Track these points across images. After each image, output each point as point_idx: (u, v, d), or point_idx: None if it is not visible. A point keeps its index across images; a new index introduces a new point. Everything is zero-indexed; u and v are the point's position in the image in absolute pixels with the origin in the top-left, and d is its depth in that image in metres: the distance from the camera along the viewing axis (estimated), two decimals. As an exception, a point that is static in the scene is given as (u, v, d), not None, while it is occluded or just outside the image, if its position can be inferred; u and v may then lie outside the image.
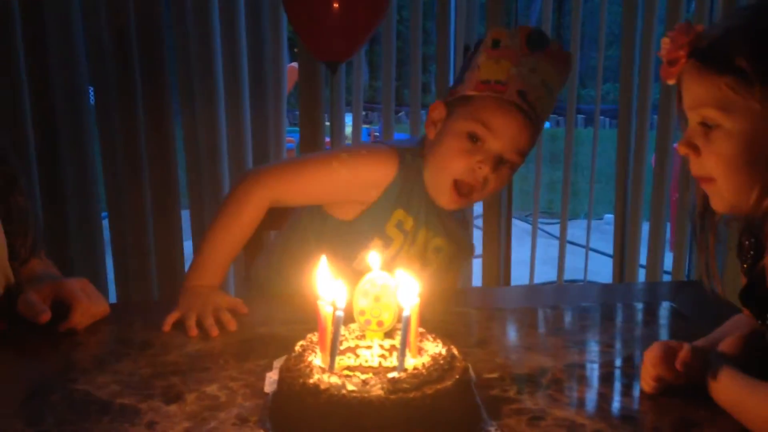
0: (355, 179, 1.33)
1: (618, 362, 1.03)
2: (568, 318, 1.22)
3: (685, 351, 0.90)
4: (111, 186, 2.37)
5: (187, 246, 2.44)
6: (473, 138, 1.27)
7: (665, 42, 0.87)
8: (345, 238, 1.34)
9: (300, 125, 2.42)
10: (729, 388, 0.86)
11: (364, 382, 0.77)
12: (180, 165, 2.39)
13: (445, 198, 1.31)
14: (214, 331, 1.12)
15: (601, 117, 3.07)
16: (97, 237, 2.41)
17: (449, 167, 1.29)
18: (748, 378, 0.85)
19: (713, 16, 2.51)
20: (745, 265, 0.94)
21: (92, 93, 2.36)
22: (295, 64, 2.50)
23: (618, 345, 1.10)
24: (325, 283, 0.85)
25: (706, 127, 0.85)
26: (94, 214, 2.40)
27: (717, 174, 0.86)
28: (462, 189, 1.29)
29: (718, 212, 0.91)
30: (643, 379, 0.94)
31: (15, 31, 2.19)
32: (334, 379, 0.77)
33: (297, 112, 2.46)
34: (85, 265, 2.37)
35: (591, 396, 0.95)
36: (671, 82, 0.88)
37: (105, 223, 2.44)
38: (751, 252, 0.93)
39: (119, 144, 2.31)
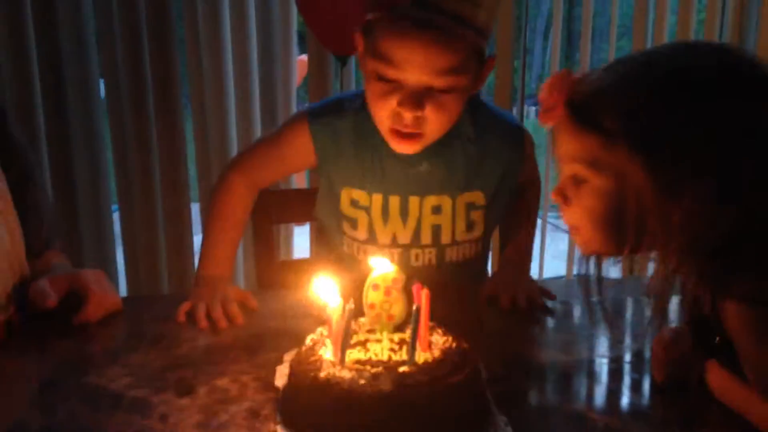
0: (285, 156, 1.27)
1: (628, 357, 1.03)
2: (577, 312, 1.22)
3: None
4: (121, 179, 2.38)
5: (197, 239, 2.44)
6: (383, 78, 1.05)
7: (543, 87, 0.86)
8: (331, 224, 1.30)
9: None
10: (728, 392, 0.86)
11: (374, 376, 0.77)
12: (189, 158, 2.39)
13: (395, 146, 1.13)
14: (222, 323, 1.12)
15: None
16: (108, 230, 2.43)
17: (377, 115, 1.11)
18: (738, 382, 0.84)
19: (726, 5, 2.49)
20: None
21: (103, 86, 2.36)
22: (304, 57, 2.50)
23: (628, 340, 1.09)
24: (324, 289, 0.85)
25: (576, 179, 0.85)
26: (105, 207, 2.41)
27: (583, 226, 0.87)
28: (402, 134, 1.10)
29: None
30: (653, 367, 0.93)
31: (27, 24, 2.19)
32: (345, 373, 0.77)
33: (306, 105, 2.46)
34: (95, 258, 2.38)
35: (601, 391, 0.94)
36: (547, 127, 0.88)
37: (115, 216, 2.45)
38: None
39: (130, 137, 2.32)
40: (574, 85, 0.84)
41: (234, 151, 2.39)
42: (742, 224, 0.75)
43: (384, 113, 1.09)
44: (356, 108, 1.22)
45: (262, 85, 2.38)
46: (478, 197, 1.23)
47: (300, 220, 2.20)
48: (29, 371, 0.98)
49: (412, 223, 1.22)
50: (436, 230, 1.23)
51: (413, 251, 1.25)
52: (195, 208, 2.43)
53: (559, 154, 0.88)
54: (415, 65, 1.02)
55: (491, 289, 1.21)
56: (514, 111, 2.51)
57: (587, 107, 0.82)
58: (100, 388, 0.92)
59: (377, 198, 1.22)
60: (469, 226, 1.25)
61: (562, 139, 0.86)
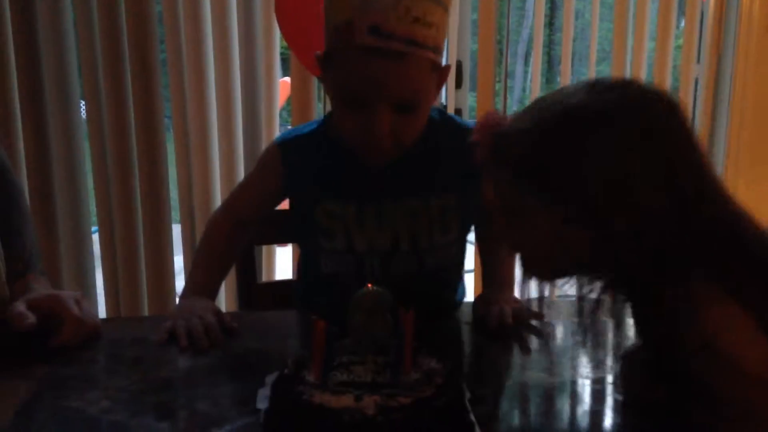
0: (260, 183, 1.33)
1: (610, 378, 1.03)
2: (560, 333, 1.22)
3: None
4: (101, 201, 2.36)
5: (178, 261, 2.43)
6: (349, 104, 1.07)
7: (476, 129, 0.90)
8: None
9: (292, 140, 2.42)
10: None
11: (358, 399, 0.76)
12: (171, 180, 2.38)
13: (366, 161, 1.16)
14: (204, 342, 1.10)
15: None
16: (87, 252, 2.40)
17: (345, 136, 1.13)
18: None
19: (702, 32, 2.54)
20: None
21: (84, 108, 2.35)
22: (287, 79, 2.51)
23: (610, 361, 1.10)
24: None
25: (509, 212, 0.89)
26: (85, 228, 2.39)
27: (521, 255, 0.93)
28: (371, 148, 1.11)
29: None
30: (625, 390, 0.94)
31: (7, 44, 2.19)
32: (327, 396, 0.77)
33: (289, 127, 2.46)
34: (74, 279, 2.36)
35: (584, 412, 0.94)
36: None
37: (95, 237, 2.43)
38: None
39: (110, 158, 2.31)
40: (499, 127, 0.88)
41: (216, 172, 2.38)
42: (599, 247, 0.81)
43: (353, 136, 1.12)
44: (322, 124, 1.26)
45: (245, 107, 2.38)
46: (449, 199, 1.23)
47: (282, 241, 2.19)
48: (6, 394, 0.96)
49: (388, 229, 1.22)
50: (414, 235, 1.22)
51: (393, 258, 1.24)
52: (176, 230, 2.42)
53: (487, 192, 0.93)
54: (378, 91, 1.04)
55: (478, 310, 1.23)
56: (496, 133, 2.53)
57: (504, 148, 0.86)
58: (78, 411, 0.90)
59: (351, 206, 1.21)
60: (444, 229, 1.24)
61: (496, 185, 0.91)
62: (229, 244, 1.38)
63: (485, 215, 1.28)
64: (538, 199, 0.84)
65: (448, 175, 1.21)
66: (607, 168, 0.79)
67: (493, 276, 1.35)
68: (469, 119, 2.56)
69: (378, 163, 1.17)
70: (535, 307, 1.19)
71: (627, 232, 0.80)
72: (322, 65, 1.14)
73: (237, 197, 1.39)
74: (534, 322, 1.21)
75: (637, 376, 0.94)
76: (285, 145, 1.27)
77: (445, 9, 1.05)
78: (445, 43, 1.13)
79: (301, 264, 1.44)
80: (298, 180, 1.25)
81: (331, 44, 1.08)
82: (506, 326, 1.16)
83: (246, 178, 1.41)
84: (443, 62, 1.12)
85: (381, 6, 0.98)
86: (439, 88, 1.15)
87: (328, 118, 1.25)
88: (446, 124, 1.24)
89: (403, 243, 1.23)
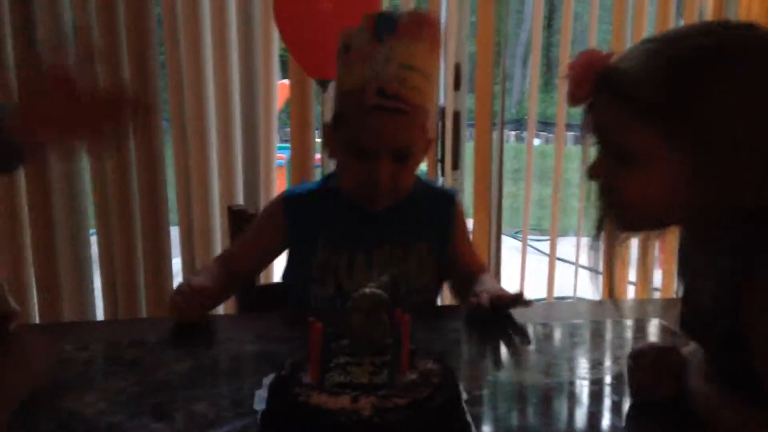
0: (258, 238, 1.42)
1: (608, 379, 1.03)
2: (558, 335, 1.22)
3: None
4: (99, 203, 2.36)
5: (176, 263, 2.43)
6: (356, 153, 1.27)
7: (574, 65, 0.87)
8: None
9: (291, 142, 2.42)
10: (731, 418, 0.84)
11: (354, 400, 0.76)
12: (169, 182, 2.38)
13: (363, 200, 1.32)
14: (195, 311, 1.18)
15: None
16: (85, 254, 2.40)
17: (348, 180, 1.32)
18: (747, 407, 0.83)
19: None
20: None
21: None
22: (286, 81, 2.51)
23: (608, 362, 1.10)
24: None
25: (619, 155, 0.85)
26: (83, 231, 2.39)
27: (629, 202, 0.86)
28: (371, 193, 1.29)
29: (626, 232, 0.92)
30: (636, 386, 0.93)
31: (5, 41, 2.18)
32: (324, 397, 0.77)
33: (288, 129, 2.46)
34: (72, 282, 2.36)
35: (581, 413, 0.94)
36: (576, 105, 0.88)
37: (93, 239, 2.43)
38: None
39: (108, 161, 2.31)
40: (605, 62, 0.85)
41: (215, 175, 2.38)
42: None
43: (357, 178, 1.29)
44: (323, 181, 1.45)
45: (243, 109, 2.38)
46: (425, 248, 1.38)
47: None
48: (3, 396, 0.96)
49: (376, 273, 1.31)
50: (397, 280, 1.32)
51: None
52: (174, 232, 2.42)
53: (596, 133, 0.88)
54: (382, 141, 1.24)
55: (472, 300, 1.26)
56: (494, 135, 2.53)
57: (624, 86, 0.82)
58: (76, 413, 0.90)
59: (344, 256, 1.34)
60: (422, 275, 1.38)
61: (599, 119, 0.87)
62: (224, 285, 1.36)
63: (452, 235, 1.43)
64: (660, 139, 0.80)
65: (424, 228, 1.39)
66: (739, 109, 0.76)
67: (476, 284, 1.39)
68: (467, 121, 2.57)
69: (377, 209, 1.32)
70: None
71: (750, 183, 0.77)
72: (331, 128, 1.33)
73: (235, 253, 1.44)
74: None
75: (650, 374, 0.92)
76: (288, 199, 1.41)
77: (433, 84, 1.30)
78: (434, 116, 1.34)
79: (290, 294, 1.46)
80: (298, 231, 1.37)
81: (342, 107, 1.29)
82: (498, 305, 1.22)
83: (247, 231, 1.46)
84: (430, 131, 1.33)
85: (386, 76, 1.22)
86: (426, 153, 1.36)
87: (328, 176, 1.44)
88: (420, 183, 1.42)
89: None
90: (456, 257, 1.43)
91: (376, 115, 1.23)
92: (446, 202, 1.44)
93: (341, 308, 0.88)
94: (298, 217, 1.38)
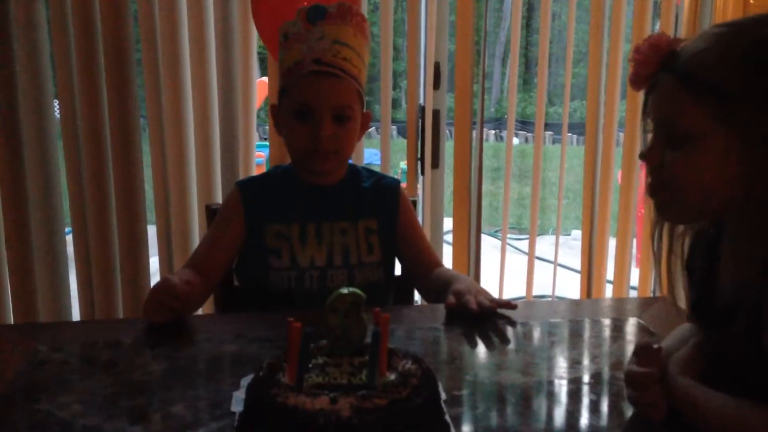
0: (222, 232, 1.49)
1: (586, 378, 1.04)
2: (536, 334, 1.22)
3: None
4: (75, 201, 2.33)
5: (153, 262, 2.41)
6: (300, 116, 1.40)
7: (639, 48, 0.88)
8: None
9: (270, 140, 2.41)
10: (720, 413, 0.84)
11: (333, 401, 0.76)
12: (147, 180, 2.36)
13: (314, 165, 1.43)
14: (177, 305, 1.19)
15: (569, 134, 3.11)
16: (61, 253, 2.37)
17: (297, 146, 1.43)
18: (739, 401, 0.83)
19: (677, 34, 2.56)
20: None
21: (57, 107, 2.32)
22: (265, 79, 2.49)
23: (586, 361, 1.10)
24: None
25: (678, 139, 0.86)
26: (58, 229, 2.36)
27: (682, 189, 0.87)
28: (320, 154, 1.40)
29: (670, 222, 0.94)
30: (652, 404, 0.90)
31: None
32: (303, 398, 0.76)
33: (267, 127, 2.45)
34: (47, 280, 2.32)
35: (560, 413, 0.95)
36: (639, 89, 0.89)
37: (69, 238, 2.40)
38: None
39: (84, 158, 2.28)
40: (672, 45, 0.86)
41: (193, 173, 2.36)
42: None
43: (303, 141, 1.41)
44: (273, 169, 1.57)
45: (222, 106, 2.36)
46: (372, 223, 1.50)
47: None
48: (-26, 399, 0.94)
49: (325, 246, 1.45)
50: (345, 251, 1.46)
51: (329, 272, 1.45)
52: (152, 231, 2.39)
53: (655, 115, 0.89)
54: (321, 96, 1.38)
55: (452, 301, 1.30)
56: (473, 134, 2.54)
57: (690, 68, 0.83)
58: (51, 415, 0.89)
59: (296, 227, 1.45)
60: (369, 249, 1.49)
61: (660, 101, 0.87)
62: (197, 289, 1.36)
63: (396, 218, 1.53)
64: (719, 122, 0.81)
65: (369, 206, 1.51)
66: None
67: (455, 274, 1.48)
68: (447, 120, 2.57)
69: (325, 165, 1.44)
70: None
71: None
72: (277, 107, 1.47)
73: (202, 252, 1.48)
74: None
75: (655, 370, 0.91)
76: (242, 184, 1.53)
77: (364, 66, 1.44)
78: (364, 92, 1.47)
79: (243, 293, 1.53)
80: (254, 210, 1.47)
81: (284, 82, 1.43)
82: (486, 310, 1.26)
83: (210, 230, 1.53)
84: (364, 108, 1.48)
85: (320, 49, 1.37)
86: (362, 130, 1.50)
87: (277, 166, 1.58)
88: (366, 170, 1.58)
89: (336, 259, 1.46)
90: (408, 241, 1.54)
91: (314, 78, 1.37)
92: (391, 187, 1.55)
93: (320, 308, 0.87)
94: (254, 198, 1.48)
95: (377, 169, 1.80)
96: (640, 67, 0.88)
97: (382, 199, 1.53)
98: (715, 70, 0.82)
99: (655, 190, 0.91)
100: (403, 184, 1.62)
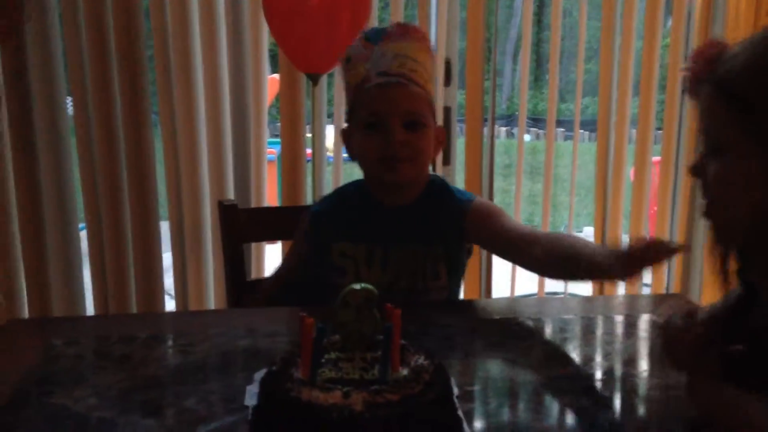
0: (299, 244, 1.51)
1: (599, 375, 1.03)
2: (549, 330, 1.22)
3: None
4: (89, 197, 2.35)
5: (166, 258, 2.42)
6: (370, 127, 1.35)
7: (692, 58, 0.86)
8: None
9: (281, 137, 2.42)
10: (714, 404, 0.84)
11: (345, 395, 0.76)
12: (159, 176, 2.37)
13: (389, 176, 1.36)
14: None
15: (581, 130, 3.10)
16: (75, 249, 2.38)
17: (367, 157, 1.38)
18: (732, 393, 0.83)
19: (689, 31, 2.55)
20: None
21: (71, 103, 2.33)
22: (276, 76, 2.50)
23: (599, 358, 1.10)
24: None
25: (722, 152, 0.83)
26: (72, 225, 2.37)
27: (727, 203, 0.85)
28: (394, 162, 1.34)
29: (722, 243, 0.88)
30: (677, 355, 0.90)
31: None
32: (316, 393, 0.77)
33: (278, 124, 2.45)
34: (62, 276, 2.34)
35: (572, 409, 0.95)
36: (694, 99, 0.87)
37: (82, 234, 2.41)
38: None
39: (97, 155, 2.29)
40: (718, 57, 0.83)
41: (205, 169, 2.37)
42: None
43: (375, 151, 1.35)
44: (349, 183, 1.53)
45: (233, 103, 2.37)
46: (440, 249, 1.40)
47: (271, 239, 2.19)
48: (-9, 392, 0.95)
49: (391, 270, 1.39)
50: (411, 277, 1.39)
51: (391, 296, 1.33)
52: (164, 227, 2.40)
53: (698, 125, 0.86)
54: (391, 106, 1.33)
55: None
56: (485, 131, 2.53)
57: (722, 76, 0.81)
58: (65, 408, 0.90)
59: (362, 248, 1.40)
60: (436, 275, 1.40)
61: (699, 110, 0.85)
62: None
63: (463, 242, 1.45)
64: (748, 136, 0.79)
65: (440, 230, 1.41)
66: None
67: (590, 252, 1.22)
68: (458, 117, 2.57)
69: (399, 175, 1.36)
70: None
71: None
72: (347, 132, 1.43)
73: (283, 266, 1.54)
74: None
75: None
76: (314, 212, 1.50)
77: (431, 79, 1.39)
78: (435, 96, 1.43)
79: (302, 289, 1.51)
80: (320, 230, 1.45)
81: (351, 101, 1.40)
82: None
83: (288, 250, 1.59)
84: (437, 121, 1.42)
85: (384, 62, 1.34)
86: (437, 145, 1.43)
87: (343, 186, 1.56)
88: (444, 188, 1.47)
89: (401, 283, 1.40)
90: (497, 246, 1.42)
91: (381, 88, 1.34)
92: (459, 210, 1.42)
93: (332, 304, 0.88)
94: (323, 219, 1.47)
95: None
96: (691, 77, 0.85)
97: (451, 223, 1.42)
98: (741, 79, 0.79)
99: (707, 209, 0.87)
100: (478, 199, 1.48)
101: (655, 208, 2.82)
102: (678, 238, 2.61)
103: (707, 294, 2.57)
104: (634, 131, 2.68)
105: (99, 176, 2.31)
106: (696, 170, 0.87)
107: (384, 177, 1.37)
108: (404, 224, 1.41)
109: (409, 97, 1.34)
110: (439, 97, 2.49)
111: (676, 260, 2.62)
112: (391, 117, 1.33)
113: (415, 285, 1.39)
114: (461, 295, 1.53)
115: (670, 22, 2.63)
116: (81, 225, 2.41)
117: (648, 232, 2.90)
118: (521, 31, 2.68)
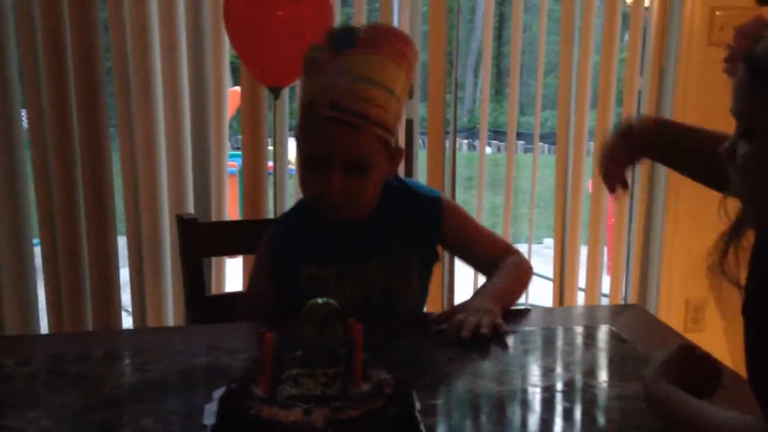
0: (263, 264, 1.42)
1: (559, 386, 1.04)
2: (510, 342, 1.23)
3: None
4: (43, 211, 2.29)
5: (123, 273, 2.38)
6: (311, 162, 1.28)
7: (737, 35, 0.85)
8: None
9: (243, 150, 2.40)
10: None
11: (306, 412, 0.75)
12: (117, 190, 2.33)
13: (329, 217, 1.31)
14: None
15: (540, 143, 3.14)
16: (29, 265, 2.33)
17: (309, 197, 1.34)
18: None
19: (645, 46, 2.60)
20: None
21: (25, 116, 2.29)
22: (237, 88, 2.48)
23: (559, 369, 1.11)
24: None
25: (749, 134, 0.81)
26: (26, 240, 2.32)
27: (746, 181, 0.82)
28: (326, 203, 1.28)
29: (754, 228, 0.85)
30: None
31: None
32: (276, 410, 0.76)
33: (239, 137, 2.44)
34: (15, 292, 2.28)
35: (533, 421, 0.95)
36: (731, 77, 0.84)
37: (37, 250, 2.35)
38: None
39: (53, 168, 2.25)
40: (759, 36, 0.80)
41: (164, 183, 2.33)
42: None
43: (312, 196, 1.31)
44: (301, 201, 1.43)
45: (194, 116, 2.34)
46: (412, 256, 1.37)
47: (232, 253, 2.16)
48: (-62, 415, 0.92)
49: (363, 287, 1.35)
50: (385, 290, 1.36)
51: (366, 313, 1.29)
52: (122, 242, 2.37)
53: (734, 109, 0.83)
54: (331, 152, 1.24)
55: (448, 314, 1.25)
56: (447, 144, 2.55)
57: (755, 56, 0.78)
58: (18, 431, 0.87)
59: (331, 270, 1.34)
60: (408, 282, 1.38)
61: (733, 91, 0.82)
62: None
63: (435, 245, 1.42)
64: None
65: (407, 235, 1.37)
66: None
67: (486, 285, 1.39)
68: (420, 129, 2.58)
69: (338, 218, 1.31)
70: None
71: None
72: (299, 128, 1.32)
73: (252, 295, 1.44)
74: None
75: None
76: (274, 226, 1.45)
77: (397, 99, 1.28)
78: (398, 128, 1.34)
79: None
80: (282, 253, 1.37)
81: (302, 118, 1.30)
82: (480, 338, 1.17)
83: (250, 277, 1.49)
84: (396, 144, 1.32)
85: (338, 88, 1.22)
86: (392, 166, 1.35)
87: (301, 200, 1.44)
88: (403, 190, 1.41)
89: (375, 299, 1.36)
90: (463, 250, 1.45)
91: (326, 127, 1.23)
92: (429, 208, 1.40)
93: (294, 318, 0.87)
94: (283, 246, 1.38)
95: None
96: (731, 55, 0.84)
97: (421, 224, 1.38)
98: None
99: (746, 192, 0.83)
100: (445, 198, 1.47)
101: (613, 219, 2.86)
102: (635, 248, 2.65)
103: (664, 304, 2.62)
104: (592, 144, 2.72)
105: (54, 190, 2.26)
106: (727, 153, 0.84)
107: (323, 212, 1.32)
108: (370, 238, 1.34)
109: (356, 141, 1.24)
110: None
111: (634, 271, 2.67)
112: (333, 159, 1.24)
113: (388, 298, 1.36)
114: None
115: (626, 36, 2.68)
116: (35, 240, 2.35)
117: (606, 241, 2.94)
118: (482, 45, 2.71)
